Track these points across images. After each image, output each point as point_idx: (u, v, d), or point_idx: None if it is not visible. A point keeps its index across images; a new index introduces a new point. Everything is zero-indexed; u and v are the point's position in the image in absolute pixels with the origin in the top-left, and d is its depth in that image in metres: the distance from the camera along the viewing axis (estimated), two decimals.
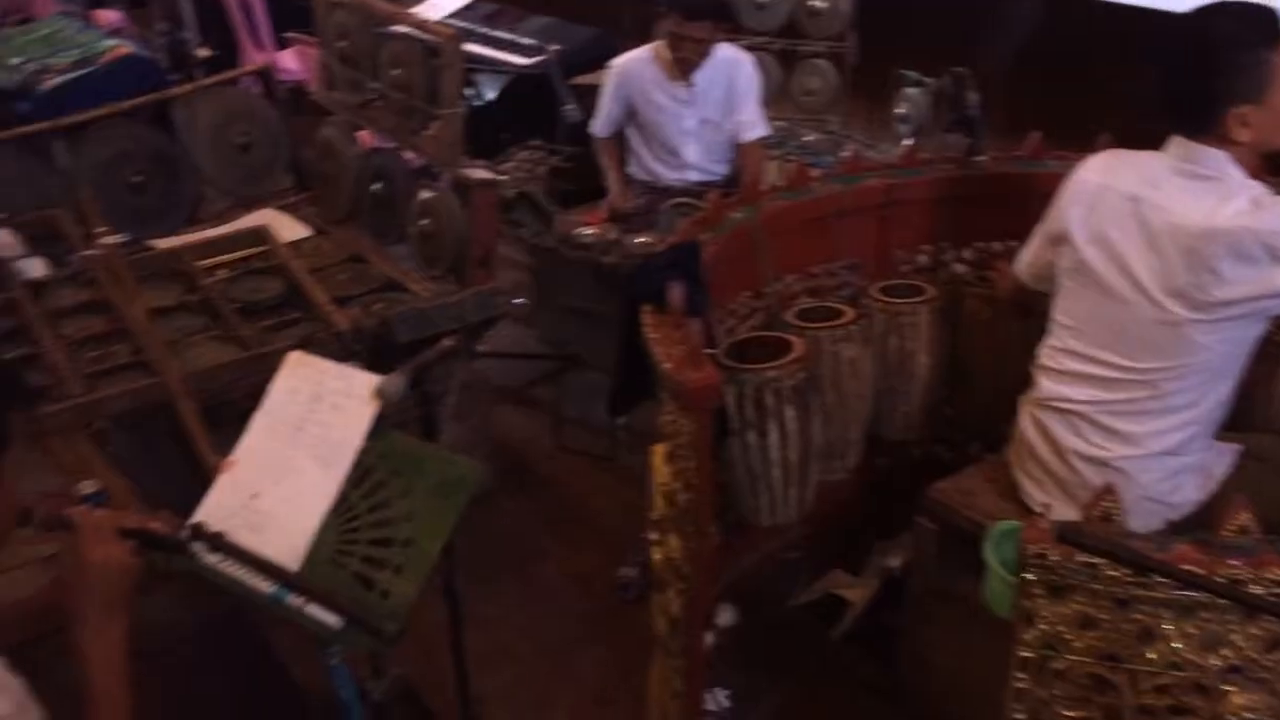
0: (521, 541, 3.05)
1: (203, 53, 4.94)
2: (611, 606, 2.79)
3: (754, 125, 3.59)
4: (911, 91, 3.64)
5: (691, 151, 3.60)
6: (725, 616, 2.56)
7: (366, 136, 3.33)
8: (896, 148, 3.68)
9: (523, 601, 2.82)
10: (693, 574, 1.85)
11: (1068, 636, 1.44)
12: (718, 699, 2.37)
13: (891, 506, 2.55)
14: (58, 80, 3.87)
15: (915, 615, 2.31)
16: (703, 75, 3.47)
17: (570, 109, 3.51)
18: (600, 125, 3.64)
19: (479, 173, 2.79)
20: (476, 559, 2.40)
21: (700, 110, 3.53)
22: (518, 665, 2.60)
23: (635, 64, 3.54)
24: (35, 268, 2.69)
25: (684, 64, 3.42)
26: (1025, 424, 2.13)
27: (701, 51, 3.39)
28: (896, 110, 3.64)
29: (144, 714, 1.45)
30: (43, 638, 1.60)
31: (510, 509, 3.15)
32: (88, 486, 1.63)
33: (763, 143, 3.67)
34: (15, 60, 4.20)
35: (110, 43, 4.18)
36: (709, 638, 2.07)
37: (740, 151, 3.62)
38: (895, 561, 2.48)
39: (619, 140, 3.68)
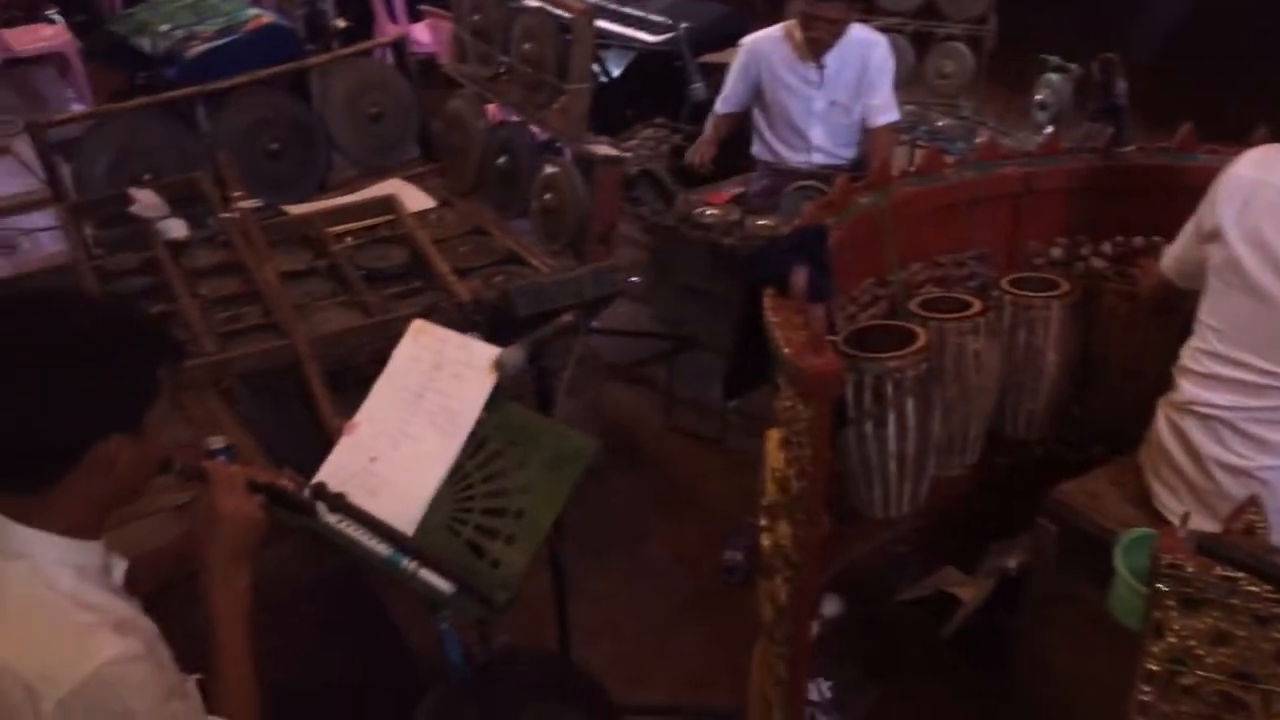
0: (629, 519, 3.06)
1: (339, 24, 5.06)
2: (715, 589, 2.79)
3: (885, 110, 3.50)
4: (1053, 77, 3.52)
5: (818, 134, 3.53)
6: (831, 607, 2.54)
7: (494, 110, 3.36)
8: (1031, 136, 3.57)
9: (628, 578, 2.83)
10: (801, 562, 1.83)
11: (1199, 651, 1.38)
12: (820, 689, 2.35)
13: (1009, 506, 2.47)
14: (203, 47, 4.03)
15: (1032, 619, 2.24)
16: (834, 56, 3.40)
17: (697, 87, 3.49)
18: (723, 102, 3.61)
19: (603, 149, 2.80)
20: (584, 534, 2.42)
21: (829, 92, 3.46)
22: (620, 641, 2.61)
23: (766, 43, 3.49)
24: (176, 228, 2.78)
25: (816, 45, 3.35)
26: (1161, 428, 2.04)
27: (834, 32, 3.32)
28: (1036, 96, 3.52)
29: (265, 664, 1.50)
30: (174, 584, 1.67)
31: (618, 486, 3.17)
32: (216, 441, 1.69)
33: (893, 128, 3.58)
34: (164, 27, 4.38)
35: (252, 12, 4.33)
36: (814, 627, 2.04)
37: (870, 137, 3.53)
38: (1012, 562, 2.41)
39: (736, 120, 3.65)
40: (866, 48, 3.44)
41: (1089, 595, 1.99)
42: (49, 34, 5.11)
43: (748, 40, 3.55)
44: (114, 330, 1.35)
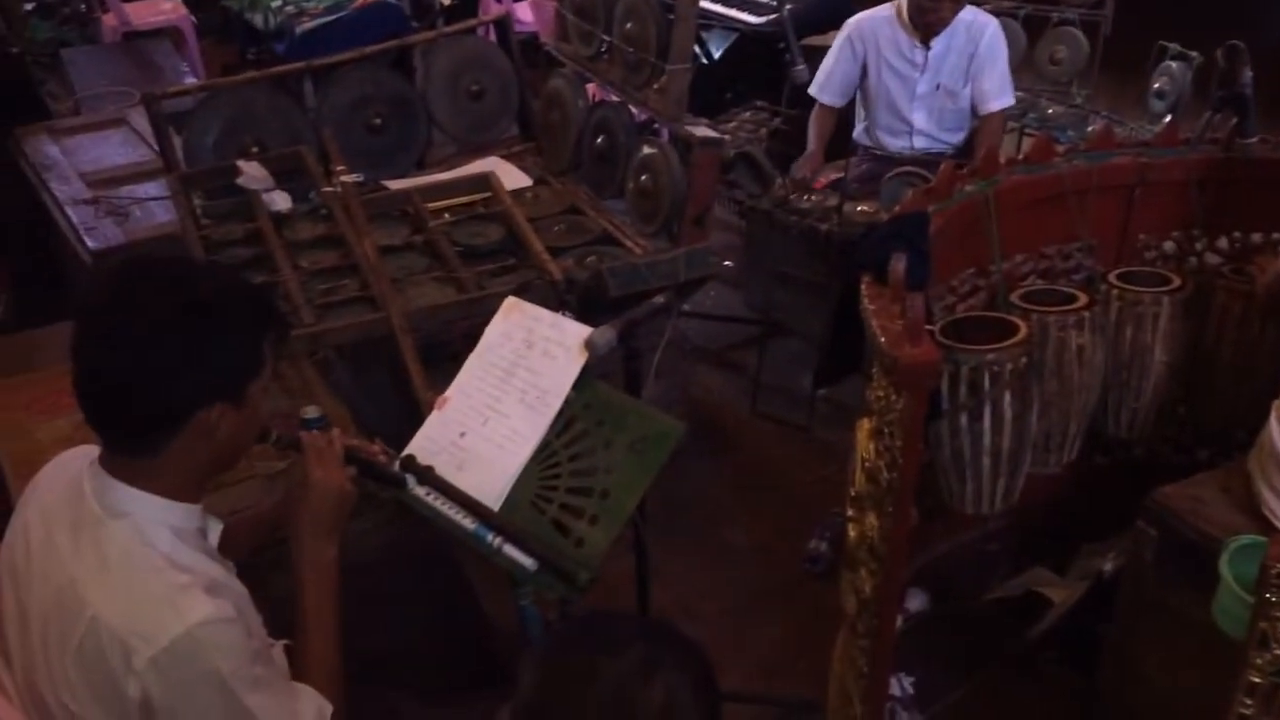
0: (710, 504, 3.05)
1: (444, 1, 5.12)
2: (794, 578, 2.76)
3: (998, 94, 3.41)
4: (1172, 65, 3.38)
5: (920, 118, 3.46)
6: (916, 602, 2.50)
7: (594, 90, 3.36)
8: (1146, 125, 3.44)
9: (706, 563, 2.82)
10: (888, 554, 1.80)
11: None
12: (902, 684, 2.31)
13: (1105, 508, 2.40)
14: (312, 24, 4.11)
15: (1126, 624, 2.17)
16: (941, 39, 3.32)
17: (800, 69, 3.43)
18: (824, 87, 3.53)
19: (703, 130, 2.77)
20: (664, 516, 2.42)
21: (934, 76, 3.38)
22: (697, 625, 2.60)
23: (873, 23, 3.42)
24: (280, 200, 2.84)
25: (928, 28, 3.28)
26: (1273, 431, 1.95)
27: (947, 15, 3.25)
28: (1153, 85, 3.38)
29: (349, 630, 1.53)
30: (265, 549, 1.71)
31: (702, 470, 3.15)
32: (310, 411, 1.72)
33: (1005, 114, 3.49)
34: (276, 3, 4.48)
35: None
36: (898, 621, 2.01)
37: (981, 122, 3.45)
38: (1107, 565, 2.34)
39: (837, 116, 3.58)
40: (977, 30, 3.35)
41: (1186, 603, 1.92)
42: (166, 8, 5.28)
43: (853, 20, 3.48)
44: (228, 301, 1.38)
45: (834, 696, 2.15)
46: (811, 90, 3.55)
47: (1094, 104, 3.92)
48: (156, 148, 3.16)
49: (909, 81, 3.40)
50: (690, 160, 2.76)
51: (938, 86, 3.40)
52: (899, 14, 3.36)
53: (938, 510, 2.19)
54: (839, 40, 3.50)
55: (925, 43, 3.33)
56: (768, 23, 4.34)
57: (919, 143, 3.49)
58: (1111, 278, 2.27)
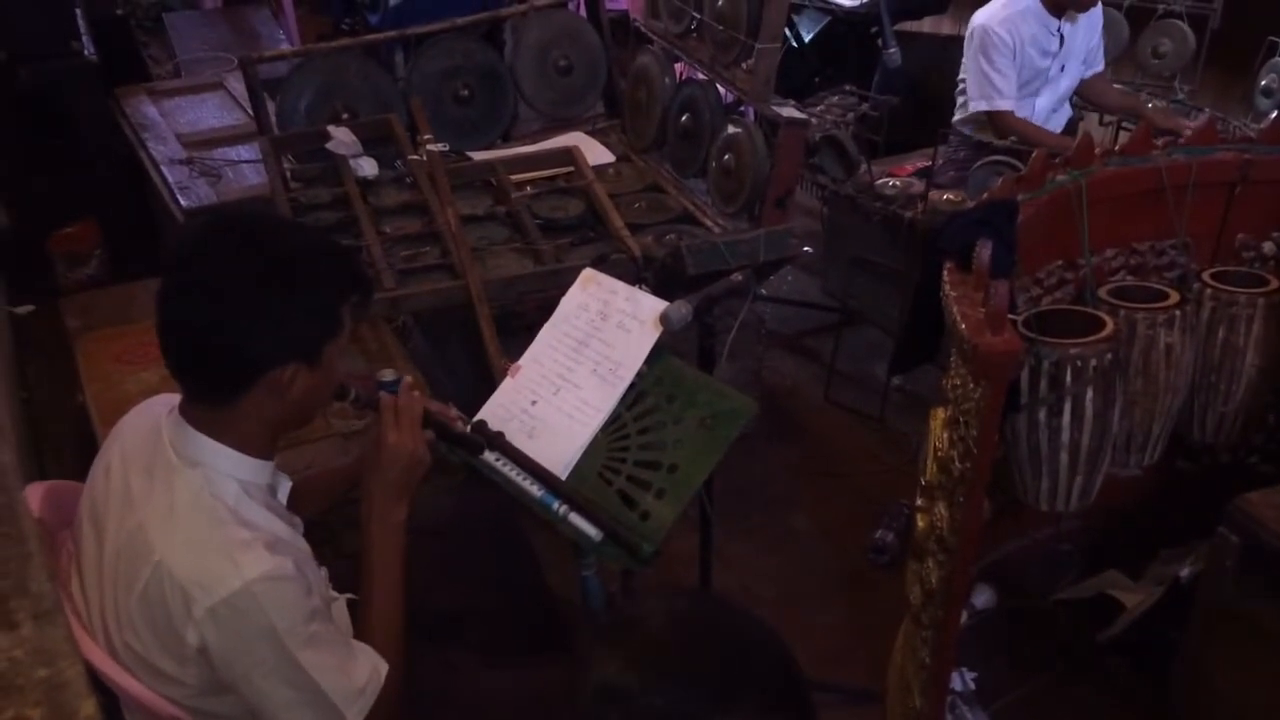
0: (777, 488, 3.03)
1: None
2: (858, 567, 2.74)
3: (1099, 59, 3.56)
4: None
5: (1044, 101, 3.51)
6: (983, 598, 2.46)
7: (682, 69, 3.35)
8: (1250, 123, 3.32)
9: (770, 547, 2.81)
10: (956, 546, 1.77)
11: None
12: (964, 678, 2.28)
13: (1185, 513, 2.33)
14: None
15: (1201, 632, 2.11)
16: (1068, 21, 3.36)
17: (893, 52, 3.36)
18: (1008, 95, 3.39)
19: (789, 111, 2.75)
20: (731, 497, 2.41)
21: (1064, 58, 3.45)
22: (758, 608, 2.56)
23: (1018, 16, 3.36)
24: (367, 167, 2.89)
25: (1082, 4, 3.32)
26: None
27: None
28: (1260, 82, 3.26)
29: (414, 590, 1.55)
30: (338, 508, 1.75)
31: (770, 454, 3.14)
32: (387, 374, 1.75)
33: (1104, 75, 3.63)
34: None
35: None
36: (963, 616, 1.98)
37: (1089, 85, 3.58)
38: (1184, 571, 2.27)
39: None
40: (1096, 9, 3.43)
41: (1265, 614, 1.86)
42: None
43: (991, 21, 3.36)
44: (308, 262, 1.39)
45: (894, 687, 2.13)
46: (1001, 105, 3.39)
47: (1197, 100, 3.79)
48: (251, 111, 3.23)
49: (1042, 71, 3.42)
50: (775, 141, 2.74)
51: (1064, 68, 3.45)
52: (1036, 3, 3.34)
53: (1010, 506, 2.15)
54: (990, 45, 3.35)
55: (1058, 29, 3.36)
56: (862, 6, 4.27)
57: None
58: (1205, 277, 2.20)
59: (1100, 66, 3.57)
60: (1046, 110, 3.53)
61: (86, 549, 1.43)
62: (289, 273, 1.35)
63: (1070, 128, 3.62)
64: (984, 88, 3.40)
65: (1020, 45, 3.36)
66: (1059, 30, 3.37)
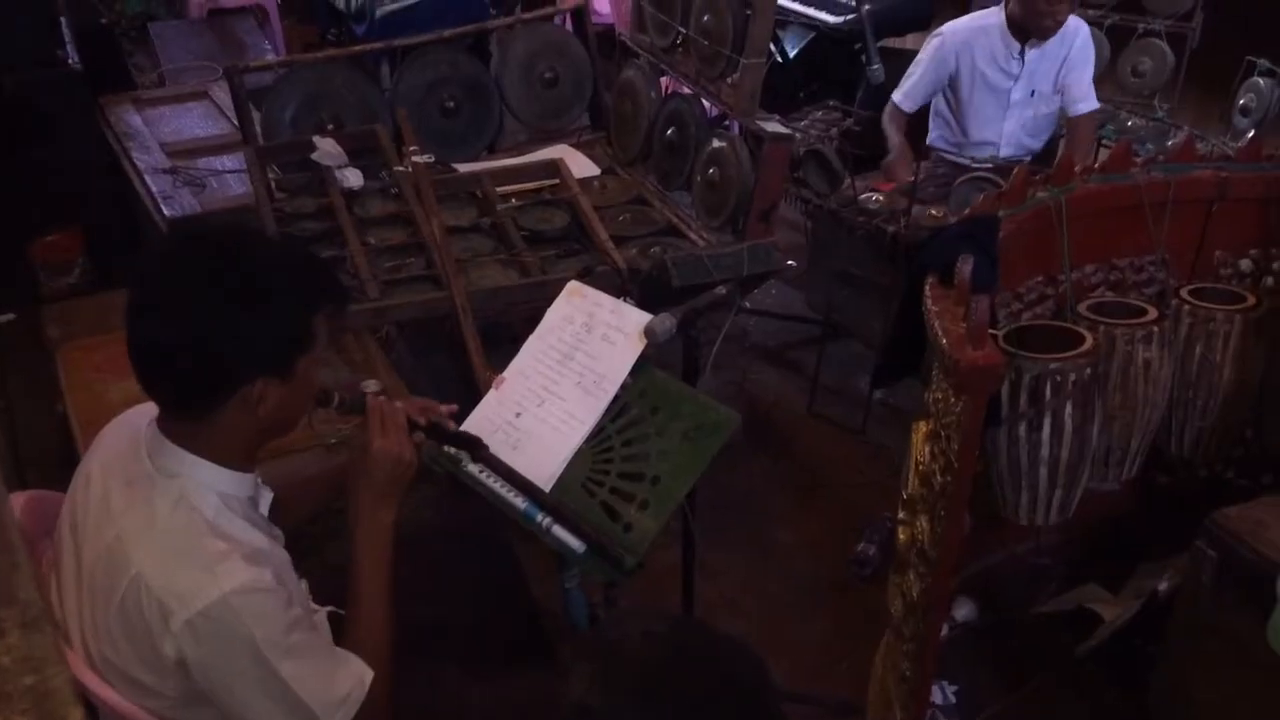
0: (760, 500, 3.04)
1: None
2: (840, 579, 2.74)
3: (1086, 98, 3.42)
4: (1260, 81, 3.30)
5: (1010, 126, 3.45)
6: (963, 610, 2.48)
7: (667, 83, 3.37)
8: (1228, 142, 3.36)
9: (752, 558, 2.81)
10: (937, 559, 1.78)
11: None
12: (945, 692, 2.29)
13: (1162, 527, 2.35)
14: (391, 7, 4.15)
15: (1179, 645, 2.13)
16: (1036, 44, 3.31)
17: (876, 69, 3.41)
18: (909, 95, 3.50)
19: (774, 126, 2.77)
20: (714, 510, 2.41)
21: (1029, 82, 3.38)
22: (740, 620, 2.60)
23: (967, 33, 3.39)
24: (352, 178, 2.89)
25: (1044, 31, 3.27)
26: None
27: (1063, 16, 3.25)
28: (1239, 101, 3.30)
29: (398, 600, 1.54)
30: (320, 517, 1.74)
31: (753, 466, 3.15)
32: (371, 385, 1.74)
33: (1093, 117, 3.50)
34: None
35: None
36: (944, 628, 1.99)
37: (1071, 125, 3.46)
38: (1162, 585, 2.29)
39: (912, 120, 3.56)
40: (1070, 34, 3.35)
41: (1242, 627, 1.88)
42: None
43: (947, 29, 3.44)
44: (275, 276, 1.36)
45: (874, 699, 2.14)
46: (895, 96, 3.52)
47: (1176, 118, 3.83)
48: (236, 121, 3.23)
49: (1002, 92, 3.39)
50: (759, 155, 2.76)
51: (1031, 93, 3.39)
52: (996, 22, 3.33)
53: (991, 519, 2.16)
54: (930, 50, 3.45)
55: (1021, 51, 3.31)
56: (845, 22, 4.30)
57: (1005, 151, 3.46)
58: (1183, 293, 2.22)
59: (1087, 105, 3.44)
60: (1017, 134, 3.48)
61: (66, 559, 1.42)
62: (256, 288, 1.33)
63: (1043, 155, 3.55)
64: (904, 79, 3.49)
65: (963, 62, 3.38)
66: (1021, 54, 3.34)
